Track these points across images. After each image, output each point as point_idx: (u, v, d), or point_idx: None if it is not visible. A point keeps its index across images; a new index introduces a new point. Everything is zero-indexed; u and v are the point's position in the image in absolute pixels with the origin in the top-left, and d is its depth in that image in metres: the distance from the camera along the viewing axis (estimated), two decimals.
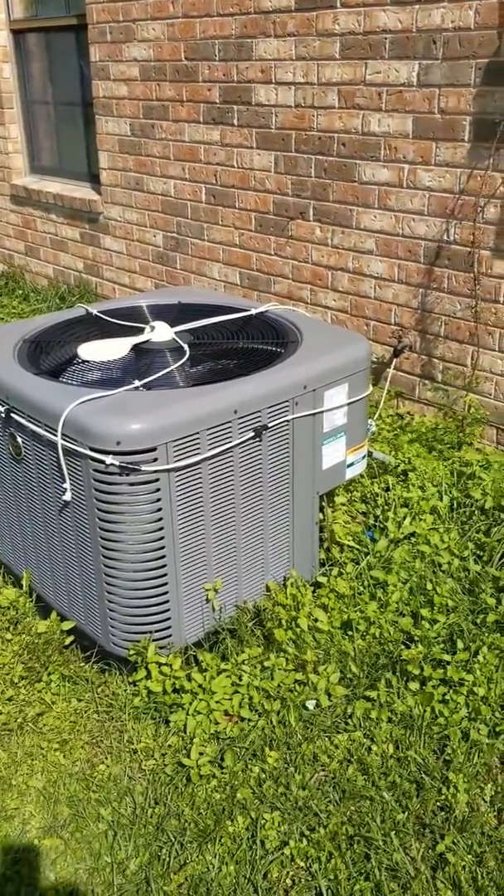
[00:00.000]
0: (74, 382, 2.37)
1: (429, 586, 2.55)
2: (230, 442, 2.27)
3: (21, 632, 2.58)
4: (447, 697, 2.24)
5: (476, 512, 2.87)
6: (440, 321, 3.53)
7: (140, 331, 2.69)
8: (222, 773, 2.10)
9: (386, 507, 2.91)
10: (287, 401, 2.38)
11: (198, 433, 2.18)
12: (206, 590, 2.38)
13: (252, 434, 2.32)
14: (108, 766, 2.15)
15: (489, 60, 3.06)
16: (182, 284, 4.81)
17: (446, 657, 2.30)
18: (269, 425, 2.35)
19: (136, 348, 2.56)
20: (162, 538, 2.22)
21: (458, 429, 3.42)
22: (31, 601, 2.68)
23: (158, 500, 2.17)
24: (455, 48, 3.15)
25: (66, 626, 2.51)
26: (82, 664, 2.46)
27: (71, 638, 2.51)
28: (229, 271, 4.47)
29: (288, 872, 1.88)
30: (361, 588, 2.61)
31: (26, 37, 5.61)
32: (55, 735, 2.26)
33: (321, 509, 2.73)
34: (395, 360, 3.74)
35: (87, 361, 2.48)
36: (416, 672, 2.27)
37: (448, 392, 3.59)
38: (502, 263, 3.24)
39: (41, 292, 5.95)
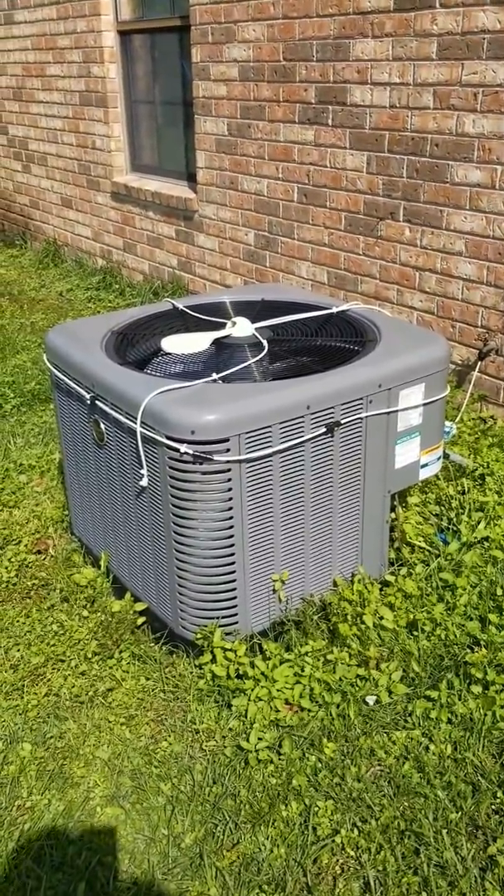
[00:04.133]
0: (156, 373, 2.46)
1: (499, 592, 2.53)
2: (302, 436, 2.31)
3: (97, 610, 2.70)
4: None
5: None
6: None
7: (222, 326, 2.76)
8: (279, 759, 2.15)
9: (460, 511, 2.89)
10: (361, 398, 2.40)
11: (270, 426, 2.24)
12: (273, 580, 2.44)
13: (324, 430, 2.35)
14: (170, 744, 2.23)
15: None
16: (271, 282, 4.87)
17: None
18: (342, 422, 2.39)
19: (217, 342, 2.63)
20: (231, 527, 2.29)
21: None
22: (108, 581, 2.80)
23: (229, 489, 2.24)
24: None
25: (139, 607, 2.61)
26: (152, 644, 2.55)
27: (143, 619, 2.61)
28: (317, 270, 4.51)
29: (337, 860, 1.92)
30: (430, 589, 2.61)
31: (132, 38, 5.79)
32: (123, 710, 2.36)
33: (392, 508, 2.74)
34: (480, 363, 3.70)
35: (170, 354, 2.57)
36: (480, 676, 2.26)
37: None
38: None
39: (136, 287, 6.13)
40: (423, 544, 2.76)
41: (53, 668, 2.52)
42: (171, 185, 5.77)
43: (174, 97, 5.55)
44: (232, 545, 2.31)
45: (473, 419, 3.68)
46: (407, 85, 3.71)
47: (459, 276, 3.72)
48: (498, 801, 2.02)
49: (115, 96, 6.05)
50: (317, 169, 4.32)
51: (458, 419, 3.60)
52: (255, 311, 2.99)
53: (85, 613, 2.69)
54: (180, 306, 3.04)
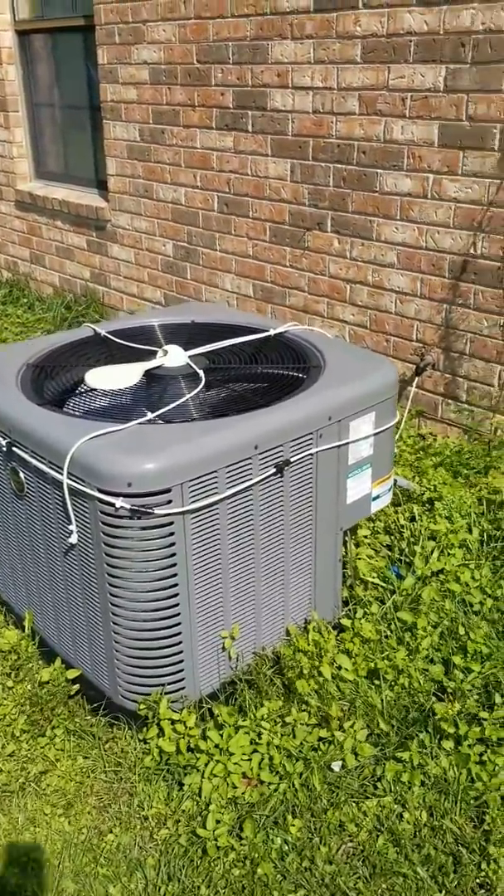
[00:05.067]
0: (81, 413, 2.19)
1: (461, 630, 2.37)
2: (250, 479, 2.09)
3: (23, 679, 2.41)
4: (485, 758, 2.06)
5: None
6: (465, 338, 3.35)
7: (151, 354, 2.51)
8: (241, 844, 1.93)
9: (412, 540, 2.73)
10: (311, 433, 2.20)
11: (216, 471, 2.01)
12: (223, 637, 2.21)
13: (274, 470, 2.14)
14: (116, 836, 1.98)
15: None
16: (192, 295, 4.63)
17: (483, 714, 2.12)
18: (292, 460, 2.18)
19: (148, 374, 2.38)
20: (175, 585, 2.05)
21: (485, 453, 3.24)
22: (34, 644, 2.51)
23: (172, 544, 2.00)
24: (486, 51, 2.97)
25: (72, 674, 2.34)
26: (89, 717, 2.29)
27: (76, 687, 2.34)
28: (242, 283, 4.30)
29: None
30: (388, 632, 2.43)
31: (32, 38, 5.45)
32: (59, 797, 2.09)
33: (344, 544, 2.55)
34: (417, 378, 3.56)
35: (96, 390, 2.31)
36: (451, 730, 2.09)
37: (473, 412, 3.40)
38: None
39: (46, 301, 5.78)
40: (377, 580, 2.58)
41: None
42: (80, 193, 5.45)
43: (80, 101, 5.24)
44: (176, 605, 2.07)
45: (412, 436, 3.54)
46: (330, 89, 3.54)
47: (392, 289, 3.57)
48: (482, 874, 1.85)
49: (16, 99, 5.69)
50: (237, 177, 4.11)
51: (397, 437, 3.45)
52: (185, 335, 2.75)
53: (10, 683, 2.40)
54: (103, 332, 2.78)
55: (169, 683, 2.15)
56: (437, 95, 3.16)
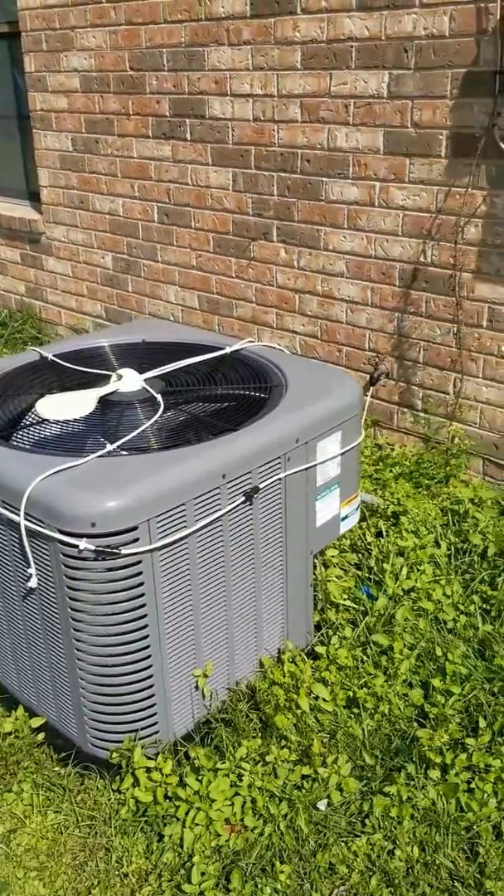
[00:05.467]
0: (31, 446, 2.06)
1: (438, 651, 2.32)
2: (219, 510, 1.99)
3: None
4: (473, 786, 2.00)
5: (477, 559, 2.65)
6: (419, 347, 3.32)
7: (104, 378, 2.39)
8: None
9: (380, 557, 2.67)
10: (279, 457, 2.12)
11: (184, 504, 1.90)
12: (196, 676, 2.11)
13: (243, 498, 2.05)
14: None
15: (467, 70, 2.85)
16: (135, 308, 4.51)
17: (469, 741, 2.07)
18: (261, 486, 2.09)
19: (103, 400, 2.26)
20: (145, 627, 1.93)
21: (445, 463, 3.21)
22: None
23: (140, 584, 1.89)
24: (429, 57, 2.93)
25: (36, 723, 2.20)
26: (57, 768, 2.15)
27: (42, 735, 2.20)
28: (187, 294, 4.19)
29: None
30: (364, 657, 2.36)
31: None
32: (32, 858, 1.96)
33: (314, 567, 2.47)
34: (371, 387, 3.51)
35: (47, 420, 2.18)
36: (437, 759, 2.03)
37: (430, 421, 3.37)
38: (485, 286, 3.03)
39: None
40: (348, 603, 2.51)
41: None
42: (11, 205, 5.26)
43: (8, 110, 5.05)
44: (146, 647, 1.96)
45: (370, 447, 3.49)
46: (271, 96, 3.46)
47: (342, 299, 3.51)
48: None
49: None
50: (178, 187, 4.00)
51: None
52: (138, 356, 2.64)
53: None
54: (49, 356, 2.64)
55: (141, 728, 2.04)
56: (381, 102, 3.12)
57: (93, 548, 1.79)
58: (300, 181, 3.48)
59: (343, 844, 1.93)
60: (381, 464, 3.32)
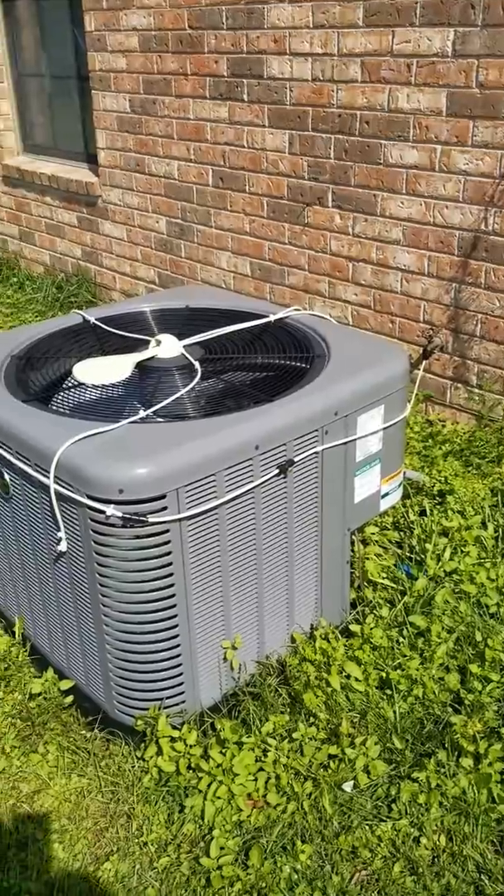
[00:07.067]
0: (69, 410, 2.04)
1: (478, 636, 2.24)
2: (251, 482, 1.94)
3: (14, 689, 2.28)
4: None
5: None
6: (476, 319, 3.19)
7: (144, 344, 2.35)
8: (247, 874, 1.80)
9: (423, 537, 2.59)
10: (316, 430, 2.05)
11: (214, 475, 1.85)
12: (224, 647, 2.07)
13: (276, 471, 1.99)
14: (114, 864, 1.85)
15: None
16: (187, 274, 4.45)
17: None
18: (296, 460, 2.02)
19: (140, 366, 2.22)
20: (173, 595, 1.90)
21: (498, 442, 3.08)
22: (25, 651, 2.37)
23: (168, 553, 1.85)
24: (497, 13, 2.77)
25: (65, 685, 2.20)
26: (83, 731, 2.15)
27: (70, 698, 2.21)
28: (239, 261, 4.11)
29: None
30: (400, 638, 2.29)
31: (15, 4, 5.20)
32: (54, 820, 1.96)
33: (351, 543, 2.40)
34: (424, 361, 3.39)
35: (84, 384, 2.15)
36: (470, 748, 1.96)
37: (484, 397, 3.25)
38: None
39: (37, 280, 5.59)
40: (386, 581, 2.44)
41: None
42: (69, 167, 5.24)
43: (68, 70, 5.01)
44: (174, 615, 1.93)
45: (420, 423, 3.38)
46: (331, 55, 3.34)
47: (397, 267, 3.39)
48: None
49: (0, 70, 5.45)
50: (233, 149, 3.91)
51: None
52: (180, 322, 2.58)
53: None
54: (92, 319, 2.61)
55: (167, 697, 2.02)
56: (444, 61, 2.97)
57: (119, 514, 1.76)
58: (358, 144, 3.35)
59: (367, 828, 1.88)
60: (430, 440, 3.22)
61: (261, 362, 2.29)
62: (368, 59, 3.21)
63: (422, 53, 3.03)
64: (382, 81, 3.19)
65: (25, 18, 5.17)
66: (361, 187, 3.40)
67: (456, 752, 1.98)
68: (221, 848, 1.84)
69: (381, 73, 3.18)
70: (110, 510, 1.76)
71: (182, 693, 2.03)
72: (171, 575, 1.88)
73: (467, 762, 1.96)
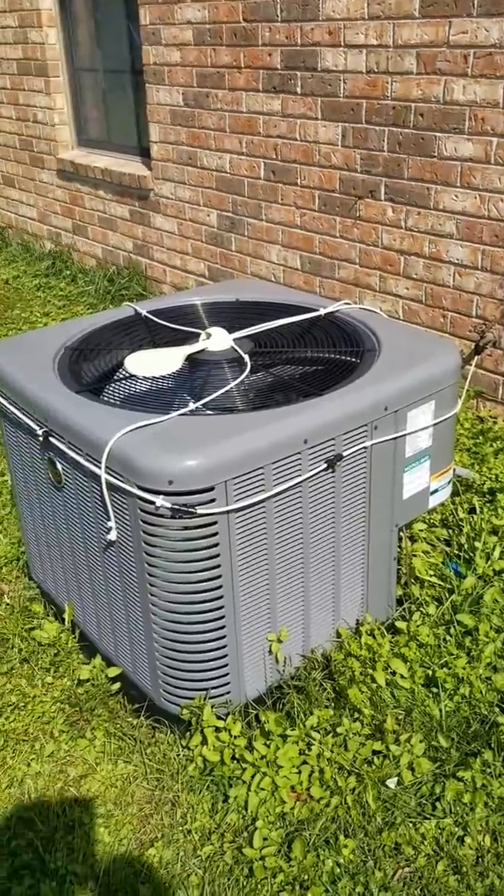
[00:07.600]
0: (120, 402, 2.06)
1: None
2: (299, 476, 1.94)
3: (62, 675, 2.33)
4: None
5: None
6: None
7: (194, 336, 2.36)
8: (290, 865, 1.81)
9: (472, 535, 2.56)
10: (365, 425, 2.04)
11: (262, 468, 1.86)
12: (270, 640, 2.08)
13: (324, 465, 1.99)
14: (158, 850, 1.88)
15: None
16: (237, 268, 4.46)
17: None
18: (344, 454, 2.02)
19: (190, 359, 2.24)
20: (220, 587, 1.92)
21: None
22: (74, 638, 2.42)
23: (216, 544, 1.86)
24: None
25: (112, 672, 2.24)
26: (130, 718, 2.18)
27: (117, 685, 2.24)
28: (289, 254, 4.11)
29: None
30: (447, 636, 2.27)
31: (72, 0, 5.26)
32: (100, 804, 2.00)
33: (398, 539, 2.39)
34: (476, 356, 3.35)
35: (135, 376, 2.17)
36: None
37: None
38: None
39: (89, 273, 5.66)
40: (434, 579, 2.42)
41: (15, 751, 2.15)
42: (122, 161, 5.29)
43: (122, 64, 5.05)
44: (221, 607, 1.94)
45: (470, 419, 3.34)
46: (386, 47, 3.31)
47: (450, 261, 3.35)
48: None
49: (57, 64, 5.52)
50: (285, 142, 3.90)
51: None
52: (230, 315, 2.59)
53: (49, 679, 2.31)
54: (143, 312, 2.63)
55: (213, 687, 2.04)
56: (502, 52, 2.92)
57: (169, 505, 1.78)
58: (412, 136, 3.32)
59: (411, 825, 1.88)
60: (481, 437, 3.18)
61: (310, 356, 2.28)
62: (424, 51, 3.17)
63: (479, 44, 2.99)
64: (438, 73, 3.15)
65: (81, 14, 5.23)
66: (415, 180, 3.37)
67: (502, 753, 1.96)
68: (265, 839, 1.85)
69: (437, 65, 3.14)
70: (160, 501, 1.78)
71: (227, 684, 2.05)
72: (218, 566, 1.89)
73: None
